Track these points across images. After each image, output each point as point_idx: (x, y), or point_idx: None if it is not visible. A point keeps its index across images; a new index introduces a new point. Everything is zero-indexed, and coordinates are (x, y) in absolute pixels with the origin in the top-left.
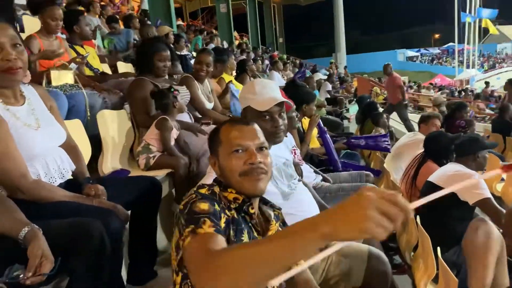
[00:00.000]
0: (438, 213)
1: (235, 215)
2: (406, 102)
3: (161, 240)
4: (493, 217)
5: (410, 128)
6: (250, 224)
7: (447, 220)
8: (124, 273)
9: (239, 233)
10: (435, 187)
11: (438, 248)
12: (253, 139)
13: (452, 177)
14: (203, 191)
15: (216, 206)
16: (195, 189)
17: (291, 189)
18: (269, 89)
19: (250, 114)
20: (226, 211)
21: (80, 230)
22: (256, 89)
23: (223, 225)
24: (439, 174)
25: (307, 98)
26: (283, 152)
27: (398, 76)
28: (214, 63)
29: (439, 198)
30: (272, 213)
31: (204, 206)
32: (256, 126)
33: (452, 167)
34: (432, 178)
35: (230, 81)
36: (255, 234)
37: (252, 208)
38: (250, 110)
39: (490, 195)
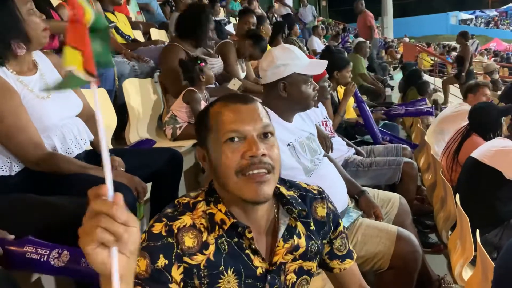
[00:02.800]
0: (481, 192)
1: (219, 247)
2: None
3: None
4: None
5: None
6: (248, 251)
7: (490, 200)
8: None
9: (213, 278)
10: (479, 164)
11: (477, 231)
12: (253, 122)
13: (498, 153)
14: (156, 227)
15: (161, 260)
16: (155, 217)
17: (315, 164)
18: (302, 52)
19: (294, 82)
20: (193, 256)
21: None
22: (297, 53)
23: (178, 277)
24: (483, 149)
25: (339, 64)
26: (308, 125)
27: (370, 14)
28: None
29: (483, 176)
30: (284, 225)
31: (142, 264)
32: (257, 104)
33: (498, 142)
34: (475, 154)
35: None
36: (257, 262)
37: (250, 232)
38: (295, 77)
39: None
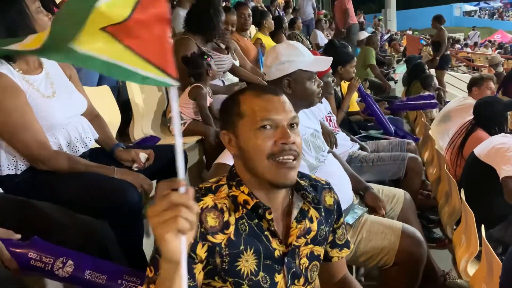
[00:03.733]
0: (480, 187)
1: (239, 228)
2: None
3: None
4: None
5: None
6: (267, 232)
7: (490, 195)
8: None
9: (233, 257)
10: (478, 160)
11: (483, 226)
12: (284, 113)
13: (493, 150)
14: None
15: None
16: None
17: (319, 161)
18: (307, 49)
19: (299, 79)
20: (216, 235)
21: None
22: (302, 50)
23: (203, 255)
24: (483, 146)
25: (343, 59)
26: (312, 122)
27: None
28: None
29: (482, 172)
30: (297, 209)
31: None
32: (285, 97)
33: (497, 139)
34: (476, 150)
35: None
36: (275, 244)
37: (270, 214)
38: (300, 74)
39: None
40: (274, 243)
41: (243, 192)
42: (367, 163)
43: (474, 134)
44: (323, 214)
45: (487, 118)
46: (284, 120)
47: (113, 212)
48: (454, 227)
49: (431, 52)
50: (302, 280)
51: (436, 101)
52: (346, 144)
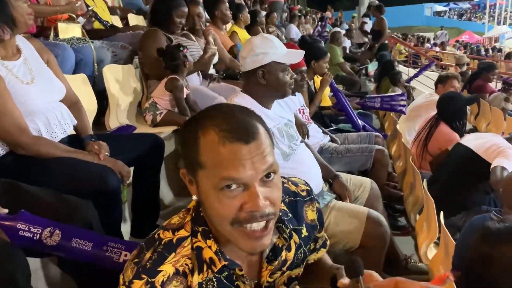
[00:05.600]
0: (465, 181)
1: (203, 279)
2: None
3: (167, 195)
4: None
5: None
6: (238, 282)
7: (470, 189)
8: (128, 227)
9: None
10: (472, 154)
11: (441, 213)
12: (257, 166)
13: (490, 149)
14: (136, 285)
15: None
16: (132, 267)
17: (292, 149)
18: (281, 42)
19: (272, 70)
20: (174, 281)
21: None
22: (275, 42)
23: None
24: (479, 142)
25: (317, 54)
26: (286, 112)
27: None
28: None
29: (475, 166)
30: (269, 246)
31: None
32: (261, 134)
33: (493, 138)
34: (469, 144)
35: None
36: None
37: (241, 270)
38: (273, 66)
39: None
40: None
41: (209, 247)
42: (336, 154)
43: (438, 128)
44: (303, 234)
45: (448, 112)
46: (255, 177)
47: (93, 195)
48: (417, 216)
49: (402, 49)
50: None
51: (405, 109)
52: (317, 135)
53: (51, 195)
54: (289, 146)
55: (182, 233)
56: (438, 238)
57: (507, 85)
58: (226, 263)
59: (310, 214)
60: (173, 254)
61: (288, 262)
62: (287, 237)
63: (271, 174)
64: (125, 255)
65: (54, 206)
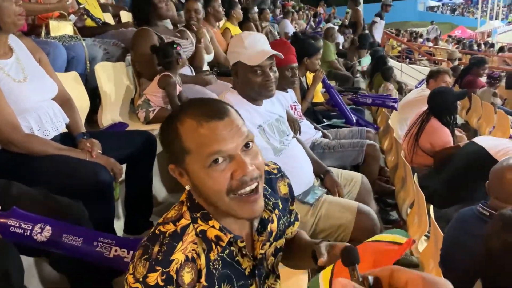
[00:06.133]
0: (472, 178)
1: (211, 270)
2: None
3: (160, 192)
4: None
5: None
6: (238, 257)
7: (475, 187)
8: (121, 224)
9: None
10: (487, 155)
11: (431, 207)
12: (236, 137)
13: (501, 152)
14: (151, 278)
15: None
16: (143, 263)
17: (284, 145)
18: (259, 42)
19: (241, 70)
20: (186, 268)
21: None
22: (246, 42)
23: None
24: (493, 143)
25: (309, 51)
26: (277, 108)
27: None
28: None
29: (484, 165)
30: (257, 219)
31: None
32: (231, 112)
33: (507, 142)
34: (484, 143)
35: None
36: (245, 263)
37: (242, 241)
38: (241, 65)
39: None
40: (245, 263)
41: (213, 227)
42: (328, 150)
43: (429, 123)
44: (280, 206)
45: (439, 107)
46: (236, 147)
47: (86, 192)
48: (409, 210)
49: (395, 44)
50: (272, 278)
51: (396, 105)
52: (309, 131)
53: (42, 195)
54: (281, 142)
55: (183, 222)
56: (429, 232)
57: (492, 79)
58: (232, 235)
59: (283, 188)
60: (180, 242)
61: (274, 233)
62: (271, 209)
63: (249, 143)
64: (115, 251)
65: (45, 207)
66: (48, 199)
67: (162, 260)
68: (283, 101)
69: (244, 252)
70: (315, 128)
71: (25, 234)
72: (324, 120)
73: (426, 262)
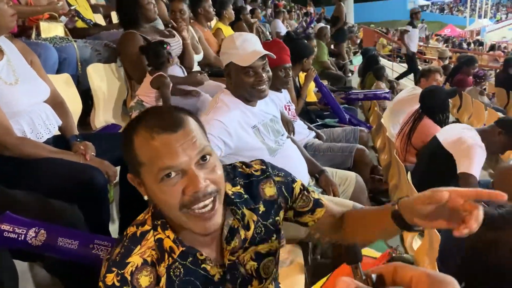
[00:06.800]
0: (438, 174)
1: (171, 276)
2: None
3: None
4: None
5: None
6: (204, 264)
7: (449, 181)
8: (116, 226)
9: None
10: (440, 147)
11: None
12: (188, 151)
13: (458, 141)
14: (108, 278)
15: None
16: (104, 263)
17: (279, 145)
18: (250, 42)
19: (234, 70)
20: (144, 271)
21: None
22: (237, 43)
23: None
24: (448, 134)
25: (307, 52)
26: (271, 108)
27: None
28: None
29: (442, 158)
30: (226, 227)
31: None
32: (188, 122)
33: (463, 131)
34: (440, 137)
35: None
36: (213, 270)
37: (201, 255)
38: (233, 66)
39: (475, 173)
40: (213, 270)
41: (168, 237)
42: (319, 152)
43: (422, 122)
44: (261, 211)
45: (431, 105)
46: (189, 161)
47: (81, 195)
48: None
49: (385, 42)
50: (256, 282)
51: (389, 94)
52: (303, 132)
53: (36, 199)
54: (276, 142)
55: (145, 228)
56: (423, 230)
57: (478, 78)
58: (184, 248)
59: (268, 190)
60: (138, 246)
61: (248, 240)
62: (239, 218)
63: (207, 156)
64: None
65: (39, 211)
66: (42, 203)
67: (118, 262)
68: (277, 101)
69: (207, 263)
70: (309, 128)
71: (19, 238)
72: (317, 119)
73: (421, 259)
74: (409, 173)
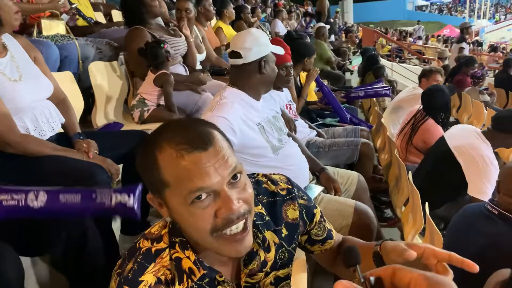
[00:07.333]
0: (442, 177)
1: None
2: None
3: None
4: None
5: None
6: (220, 286)
7: (448, 185)
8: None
9: None
10: (450, 153)
11: (427, 204)
12: (221, 170)
13: (469, 158)
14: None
15: None
16: (115, 278)
17: (282, 143)
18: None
19: (271, 61)
20: None
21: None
22: (262, 39)
23: None
24: (460, 142)
25: (309, 51)
26: (273, 105)
27: None
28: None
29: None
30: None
31: None
32: (217, 139)
33: (471, 141)
34: (450, 142)
35: None
36: None
37: (221, 276)
38: (271, 56)
39: (487, 198)
40: None
41: (188, 257)
42: (323, 149)
43: (425, 124)
44: (284, 234)
45: (434, 105)
46: (222, 182)
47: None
48: (403, 207)
49: (384, 42)
50: None
51: (389, 91)
52: (304, 130)
53: None
54: (279, 140)
55: (161, 245)
56: (424, 229)
57: (475, 79)
58: (206, 271)
59: (291, 213)
60: (153, 264)
61: (270, 263)
62: (260, 242)
63: (237, 175)
64: (116, 197)
65: None
66: None
67: (131, 280)
68: (278, 99)
69: (224, 285)
70: (310, 127)
71: (20, 204)
72: (318, 119)
73: None
74: (409, 172)
